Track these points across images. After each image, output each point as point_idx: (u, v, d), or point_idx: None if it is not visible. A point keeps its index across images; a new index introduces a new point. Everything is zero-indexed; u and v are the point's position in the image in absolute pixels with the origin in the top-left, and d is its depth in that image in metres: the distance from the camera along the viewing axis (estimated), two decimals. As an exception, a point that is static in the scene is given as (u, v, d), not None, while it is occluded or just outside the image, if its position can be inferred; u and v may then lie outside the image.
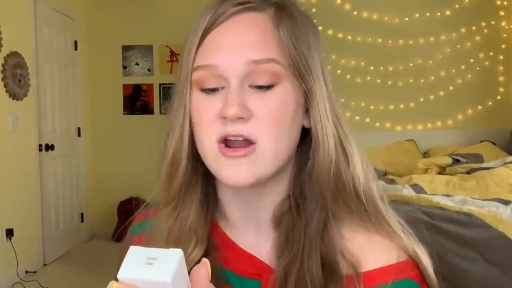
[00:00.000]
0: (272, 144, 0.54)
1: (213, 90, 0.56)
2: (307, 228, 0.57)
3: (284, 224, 0.59)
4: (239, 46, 0.54)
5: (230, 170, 0.54)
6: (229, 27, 0.56)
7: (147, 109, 4.89)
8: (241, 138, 0.54)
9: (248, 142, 0.54)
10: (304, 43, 0.57)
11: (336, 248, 0.56)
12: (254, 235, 0.61)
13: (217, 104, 0.55)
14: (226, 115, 0.53)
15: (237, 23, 0.56)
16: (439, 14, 4.52)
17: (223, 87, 0.55)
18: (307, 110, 0.59)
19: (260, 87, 0.55)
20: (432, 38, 4.51)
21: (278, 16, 0.57)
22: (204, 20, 0.56)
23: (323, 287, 0.54)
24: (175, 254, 0.41)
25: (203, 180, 0.62)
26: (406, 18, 4.53)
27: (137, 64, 4.88)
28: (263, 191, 0.59)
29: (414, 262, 0.56)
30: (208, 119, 0.55)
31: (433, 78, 4.53)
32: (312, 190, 0.59)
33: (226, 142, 0.55)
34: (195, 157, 0.59)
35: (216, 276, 0.56)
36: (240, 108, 0.53)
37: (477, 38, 4.50)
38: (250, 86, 0.55)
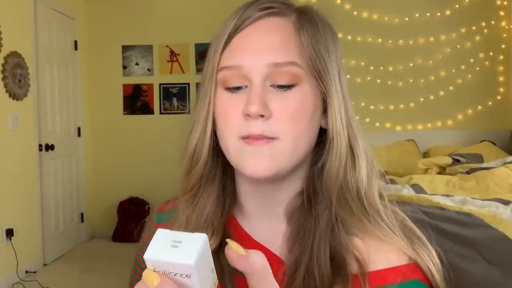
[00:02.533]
0: (291, 141, 0.58)
1: (237, 89, 0.59)
2: (318, 223, 0.59)
3: (296, 218, 0.61)
4: (262, 49, 0.58)
5: (251, 161, 0.57)
6: (254, 31, 0.60)
7: (147, 109, 4.89)
8: (262, 138, 0.57)
9: (269, 139, 0.57)
10: (323, 46, 0.60)
11: (345, 246, 0.58)
12: (268, 228, 0.64)
13: (241, 102, 0.58)
14: (248, 112, 0.56)
15: (261, 27, 0.60)
16: (439, 14, 4.52)
17: (246, 86, 0.59)
18: (325, 111, 0.62)
19: (280, 87, 0.58)
20: (432, 38, 4.52)
21: (300, 21, 0.61)
22: (230, 23, 0.60)
23: (330, 282, 0.55)
24: (200, 238, 0.42)
25: (222, 174, 0.66)
26: (406, 18, 4.53)
27: (137, 64, 4.88)
28: (280, 185, 0.62)
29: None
30: (232, 116, 0.59)
31: (433, 78, 4.53)
32: (321, 188, 0.61)
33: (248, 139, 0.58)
34: (216, 152, 0.63)
35: (230, 267, 0.58)
36: (262, 106, 0.56)
37: (477, 38, 4.50)
38: (271, 85, 0.58)
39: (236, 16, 0.60)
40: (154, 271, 0.42)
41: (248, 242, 0.64)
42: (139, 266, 0.74)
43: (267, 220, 0.64)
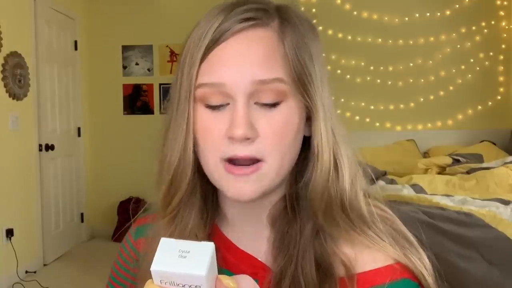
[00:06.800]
0: (277, 160, 0.55)
1: (218, 107, 0.55)
2: (302, 230, 0.58)
3: (279, 225, 0.60)
4: (245, 65, 0.54)
5: (235, 187, 0.55)
6: (235, 45, 0.55)
7: (147, 109, 4.89)
8: (248, 159, 0.54)
9: (255, 160, 0.55)
10: (307, 53, 0.57)
11: (330, 250, 0.57)
12: (252, 235, 0.62)
13: (223, 122, 0.55)
14: (233, 136, 0.53)
15: (242, 41, 0.55)
16: (439, 14, 4.51)
17: (228, 104, 0.55)
18: (307, 119, 0.60)
19: (265, 105, 0.55)
20: (432, 38, 4.51)
21: (282, 29, 0.57)
22: (206, 34, 0.55)
23: None
24: (208, 247, 0.42)
25: (203, 186, 0.62)
26: (406, 18, 4.53)
27: (137, 64, 4.88)
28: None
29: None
30: (214, 138, 0.55)
31: (433, 78, 4.53)
32: (305, 198, 0.59)
33: (232, 161, 0.55)
34: (197, 167, 0.59)
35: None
36: (248, 129, 0.53)
37: (477, 38, 4.50)
38: (255, 103, 0.55)
39: (212, 26, 0.55)
40: (161, 282, 0.41)
41: (233, 251, 0.62)
42: (116, 282, 0.72)
43: (252, 228, 0.62)
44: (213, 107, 0.56)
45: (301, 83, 0.56)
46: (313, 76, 0.57)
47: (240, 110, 0.54)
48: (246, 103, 0.54)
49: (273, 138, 0.54)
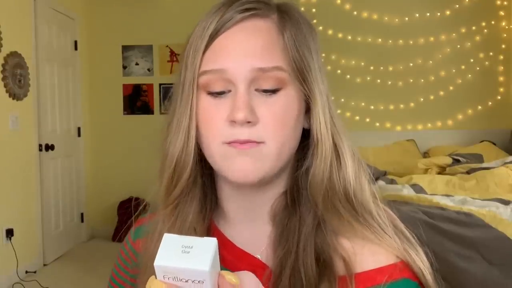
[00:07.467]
0: (277, 145, 0.56)
1: (220, 93, 0.57)
2: (302, 223, 0.58)
3: (280, 219, 0.60)
4: (246, 53, 0.56)
5: (237, 166, 0.56)
6: (237, 34, 0.57)
7: (147, 109, 4.89)
8: (248, 143, 0.56)
9: (256, 143, 0.56)
10: (305, 46, 0.59)
11: (332, 246, 0.57)
12: (251, 232, 0.62)
13: (225, 108, 0.56)
14: (235, 119, 0.55)
15: (244, 30, 0.58)
16: (439, 14, 4.52)
17: (230, 91, 0.57)
18: (307, 112, 0.61)
19: (266, 91, 0.57)
20: (432, 38, 4.52)
21: (282, 22, 0.59)
22: (209, 25, 0.58)
23: (317, 283, 0.54)
24: (211, 243, 0.42)
25: (204, 178, 0.63)
26: (406, 18, 4.53)
27: (137, 64, 4.88)
28: (263, 188, 0.60)
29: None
30: (217, 123, 0.57)
31: (433, 78, 4.53)
32: (306, 190, 0.60)
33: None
34: (198, 158, 0.61)
35: None
36: (249, 112, 0.55)
37: (477, 38, 4.50)
38: (256, 90, 0.57)
39: (215, 18, 0.58)
40: (164, 277, 0.42)
41: (231, 249, 0.62)
42: (116, 284, 0.71)
43: (251, 224, 0.62)
44: (215, 95, 0.57)
45: (300, 72, 0.58)
46: (312, 66, 0.59)
47: (241, 95, 0.56)
48: (247, 89, 0.56)
49: (273, 123, 0.56)
